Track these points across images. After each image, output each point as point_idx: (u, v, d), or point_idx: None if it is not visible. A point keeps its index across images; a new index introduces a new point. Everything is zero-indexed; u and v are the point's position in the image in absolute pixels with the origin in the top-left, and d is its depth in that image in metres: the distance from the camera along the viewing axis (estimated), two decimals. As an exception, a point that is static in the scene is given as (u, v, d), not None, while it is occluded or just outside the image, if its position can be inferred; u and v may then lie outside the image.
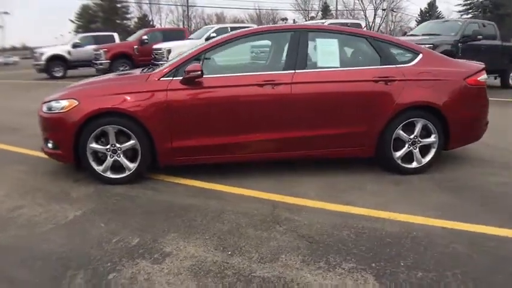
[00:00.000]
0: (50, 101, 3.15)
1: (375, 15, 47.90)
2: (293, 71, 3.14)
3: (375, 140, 3.28)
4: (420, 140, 3.35)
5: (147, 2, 52.73)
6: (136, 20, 53.33)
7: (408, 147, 3.35)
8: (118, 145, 3.08)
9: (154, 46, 11.93)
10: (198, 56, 3.13)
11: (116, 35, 15.32)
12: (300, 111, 3.15)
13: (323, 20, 11.53)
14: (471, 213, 2.64)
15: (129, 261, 2.05)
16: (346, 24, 11.49)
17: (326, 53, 3.26)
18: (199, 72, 2.93)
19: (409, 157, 3.38)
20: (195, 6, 54.32)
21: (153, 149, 3.10)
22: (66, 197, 2.92)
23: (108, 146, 3.07)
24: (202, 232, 2.37)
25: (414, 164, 3.40)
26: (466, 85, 3.38)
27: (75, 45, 14.19)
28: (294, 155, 3.30)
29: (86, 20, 49.57)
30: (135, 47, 13.19)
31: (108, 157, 3.09)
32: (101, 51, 12.54)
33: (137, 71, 3.71)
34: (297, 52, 3.18)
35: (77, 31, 42.47)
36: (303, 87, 3.13)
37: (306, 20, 40.23)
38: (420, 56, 3.39)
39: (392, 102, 3.21)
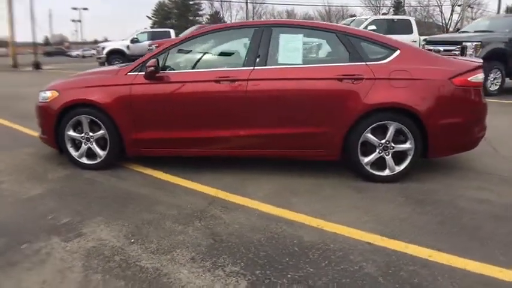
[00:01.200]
0: (41, 91, 3.57)
1: (452, 11, 43.36)
2: (252, 68, 3.11)
3: (339, 142, 3.10)
4: (393, 145, 3.07)
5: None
6: (208, 16, 55.70)
7: (379, 153, 3.10)
8: (91, 134, 3.39)
9: None
10: (164, 52, 3.28)
11: (172, 31, 16.28)
12: (256, 108, 3.12)
13: (366, 17, 10.70)
14: (419, 232, 2.37)
15: (46, 236, 2.30)
16: (393, 20, 10.63)
17: (288, 50, 3.16)
18: (153, 68, 3.07)
19: (382, 163, 3.13)
20: (264, 3, 55.03)
21: (120, 139, 3.34)
22: (43, 177, 3.32)
23: (82, 134, 3.40)
24: (125, 219, 2.54)
25: (386, 172, 3.13)
26: (452, 86, 3.00)
27: (133, 41, 15.41)
28: (253, 153, 3.29)
29: (162, 16, 53.25)
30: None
31: (83, 144, 3.43)
32: (153, 46, 13.46)
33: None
34: (258, 48, 3.14)
35: (152, 27, 45.85)
36: (259, 84, 3.09)
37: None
38: (397, 52, 3.09)
39: (359, 102, 2.99)
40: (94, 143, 3.41)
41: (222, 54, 3.38)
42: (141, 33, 16.48)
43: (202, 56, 3.35)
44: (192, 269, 2.00)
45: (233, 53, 3.28)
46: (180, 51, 3.32)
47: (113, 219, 2.55)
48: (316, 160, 3.33)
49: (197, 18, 55.15)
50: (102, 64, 15.38)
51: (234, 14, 60.34)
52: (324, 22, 3.50)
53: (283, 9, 58.19)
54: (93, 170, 3.44)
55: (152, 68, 3.06)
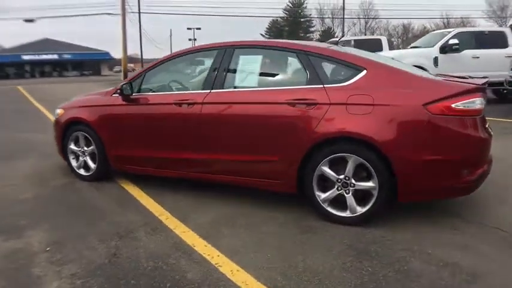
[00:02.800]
0: (56, 108, 4.19)
1: None
2: (208, 91, 3.09)
3: (294, 174, 2.81)
4: (354, 182, 2.63)
5: (330, 16, 54.69)
6: (320, 33, 56.14)
7: (338, 190, 2.69)
8: (85, 148, 3.83)
9: None
10: (141, 75, 3.51)
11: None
12: (210, 133, 3.08)
13: (451, 29, 9.15)
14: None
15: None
16: (483, 33, 8.93)
17: (245, 72, 3.04)
18: (119, 91, 3.31)
19: (343, 203, 2.71)
20: (378, 18, 52.82)
21: (105, 155, 3.68)
22: (44, 183, 3.86)
23: (79, 148, 3.86)
24: (63, 229, 2.79)
25: (347, 213, 2.69)
26: (426, 114, 2.42)
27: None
28: (213, 178, 3.22)
29: (275, 34, 55.77)
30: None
31: (80, 157, 3.89)
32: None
33: None
34: (218, 71, 3.10)
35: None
36: (213, 107, 3.04)
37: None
38: (362, 73, 2.66)
39: (311, 130, 2.68)
40: (88, 157, 3.83)
41: (188, 76, 3.45)
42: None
43: (171, 79, 3.48)
44: (61, 284, 2.08)
45: (198, 75, 3.30)
46: (154, 74, 3.51)
47: (56, 228, 2.82)
48: (276, 192, 3.05)
49: (308, 35, 56.23)
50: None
51: (345, 31, 59.65)
52: (287, 41, 3.21)
53: (399, 23, 54.71)
54: (87, 180, 3.86)
55: (119, 90, 3.31)
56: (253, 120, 2.90)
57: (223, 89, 3.07)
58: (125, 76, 22.87)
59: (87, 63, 50.74)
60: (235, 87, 3.05)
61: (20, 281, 2.15)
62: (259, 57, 3.04)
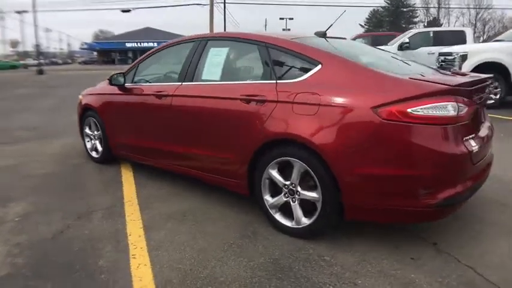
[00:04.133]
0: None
1: None
2: (180, 84, 3.11)
3: (244, 174, 2.69)
4: (299, 190, 2.42)
5: (435, 5, 49.39)
6: (425, 24, 51.29)
7: (285, 197, 2.50)
8: (95, 132, 4.20)
9: (442, 50, 8.62)
10: (135, 66, 3.70)
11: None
12: (177, 125, 3.11)
13: None
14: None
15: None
16: None
17: (212, 65, 2.95)
18: (108, 80, 3.54)
19: (291, 211, 2.52)
20: (491, 8, 45.92)
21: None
22: (63, 162, 4.35)
23: (92, 132, 4.26)
24: (42, 204, 3.13)
25: (292, 223, 2.49)
26: (376, 118, 2.07)
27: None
28: (184, 171, 3.25)
29: (374, 24, 52.69)
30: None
31: (92, 141, 4.29)
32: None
33: None
34: (190, 63, 3.10)
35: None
36: (180, 100, 3.06)
37: None
38: (316, 68, 2.38)
39: (258, 129, 2.53)
40: (97, 141, 4.21)
41: (170, 68, 3.49)
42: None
43: (157, 70, 3.58)
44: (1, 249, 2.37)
45: (177, 68, 3.32)
46: (145, 65, 3.65)
47: (39, 202, 3.17)
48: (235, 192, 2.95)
49: (411, 25, 51.83)
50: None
51: (452, 21, 53.54)
52: (252, 32, 2.99)
53: (515, 14, 46.68)
54: (97, 162, 4.25)
55: (108, 80, 3.55)
56: (212, 116, 2.84)
57: (192, 81, 3.06)
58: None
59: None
60: (202, 81, 3.02)
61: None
62: (226, 50, 2.94)
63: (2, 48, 71.48)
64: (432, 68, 3.03)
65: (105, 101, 3.92)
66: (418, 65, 2.95)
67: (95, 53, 60.04)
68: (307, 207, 2.41)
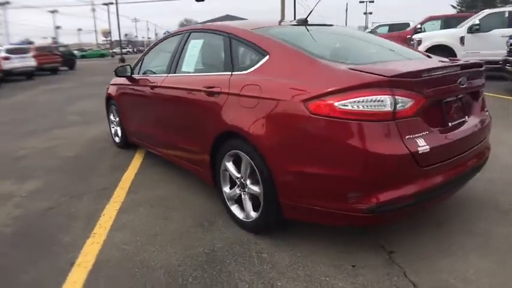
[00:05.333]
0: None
1: None
2: (166, 75, 3.26)
3: (208, 165, 2.76)
4: (248, 184, 2.42)
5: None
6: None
7: (239, 189, 2.53)
8: (117, 119, 4.62)
9: None
10: (141, 58, 3.95)
11: (411, 23, 14.75)
12: (161, 114, 3.28)
13: None
14: None
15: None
16: None
17: (189, 57, 3.05)
18: (115, 72, 3.83)
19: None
20: None
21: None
22: (90, 146, 4.86)
23: (114, 119, 4.69)
24: (53, 179, 3.59)
25: (243, 216, 2.52)
26: (306, 113, 1.96)
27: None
28: (171, 158, 3.42)
29: (467, 5, 46.99)
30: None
31: (114, 127, 4.72)
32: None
33: None
34: (174, 56, 3.23)
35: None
36: (164, 91, 3.23)
37: None
38: (265, 59, 2.32)
39: (214, 121, 2.58)
40: (118, 127, 4.62)
41: (163, 60, 3.63)
42: (377, 26, 16.08)
43: (155, 62, 3.77)
44: (-6, 222, 2.82)
45: (168, 60, 3.45)
46: (147, 57, 3.88)
47: (51, 181, 3.65)
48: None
49: (508, 5, 44.94)
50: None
51: None
52: (222, 23, 2.90)
53: None
54: (118, 147, 4.68)
55: (114, 71, 3.85)
56: (185, 106, 2.95)
57: (175, 73, 3.19)
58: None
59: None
60: (182, 72, 3.13)
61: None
62: (200, 42, 3.00)
63: (96, 38, 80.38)
64: (427, 55, 2.72)
65: (120, 91, 4.28)
66: (409, 53, 2.67)
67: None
68: (256, 201, 2.40)
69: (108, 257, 2.28)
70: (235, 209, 2.59)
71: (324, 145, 1.94)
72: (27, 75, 16.86)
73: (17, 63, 15.94)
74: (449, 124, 2.14)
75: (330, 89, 1.90)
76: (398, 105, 1.85)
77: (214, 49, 2.95)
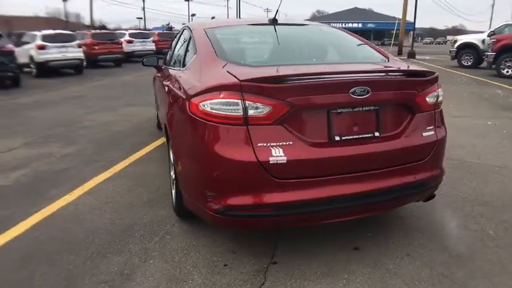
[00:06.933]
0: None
1: None
2: (167, 67, 3.70)
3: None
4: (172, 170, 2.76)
5: None
6: None
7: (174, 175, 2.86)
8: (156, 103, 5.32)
9: None
10: (169, 48, 4.48)
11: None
12: (163, 102, 3.74)
13: None
14: None
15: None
16: None
17: (176, 51, 3.42)
18: (142, 63, 4.43)
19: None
20: None
21: (157, 112, 5.06)
22: (139, 126, 5.70)
23: (155, 103, 5.41)
24: (90, 150, 4.46)
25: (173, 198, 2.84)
26: (187, 110, 2.12)
27: (490, 34, 13.15)
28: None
29: None
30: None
31: (156, 110, 5.45)
32: (491, 41, 11.20)
33: None
34: (173, 50, 3.66)
35: None
36: (163, 81, 3.64)
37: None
38: (195, 56, 2.59)
39: (165, 112, 2.94)
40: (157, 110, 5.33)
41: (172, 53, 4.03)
42: (506, 25, 13.74)
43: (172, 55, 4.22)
44: (20, 175, 3.74)
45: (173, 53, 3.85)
46: (170, 50, 4.36)
47: (83, 148, 4.53)
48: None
49: None
50: (453, 58, 14.68)
51: None
52: (198, 22, 3.04)
53: None
54: (158, 129, 5.37)
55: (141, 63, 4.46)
56: (166, 96, 3.32)
57: (169, 66, 3.61)
58: (399, 51, 22.38)
59: (388, 33, 52.18)
60: (171, 66, 3.51)
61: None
62: (182, 38, 3.34)
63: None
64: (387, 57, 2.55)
65: (157, 80, 4.93)
66: (357, 57, 2.58)
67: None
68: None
69: (63, 212, 2.88)
70: (174, 192, 2.89)
71: (192, 142, 2.10)
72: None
73: (138, 46, 18.44)
74: (337, 138, 2.00)
75: (198, 90, 2.05)
76: (251, 111, 1.86)
77: (188, 46, 3.29)
